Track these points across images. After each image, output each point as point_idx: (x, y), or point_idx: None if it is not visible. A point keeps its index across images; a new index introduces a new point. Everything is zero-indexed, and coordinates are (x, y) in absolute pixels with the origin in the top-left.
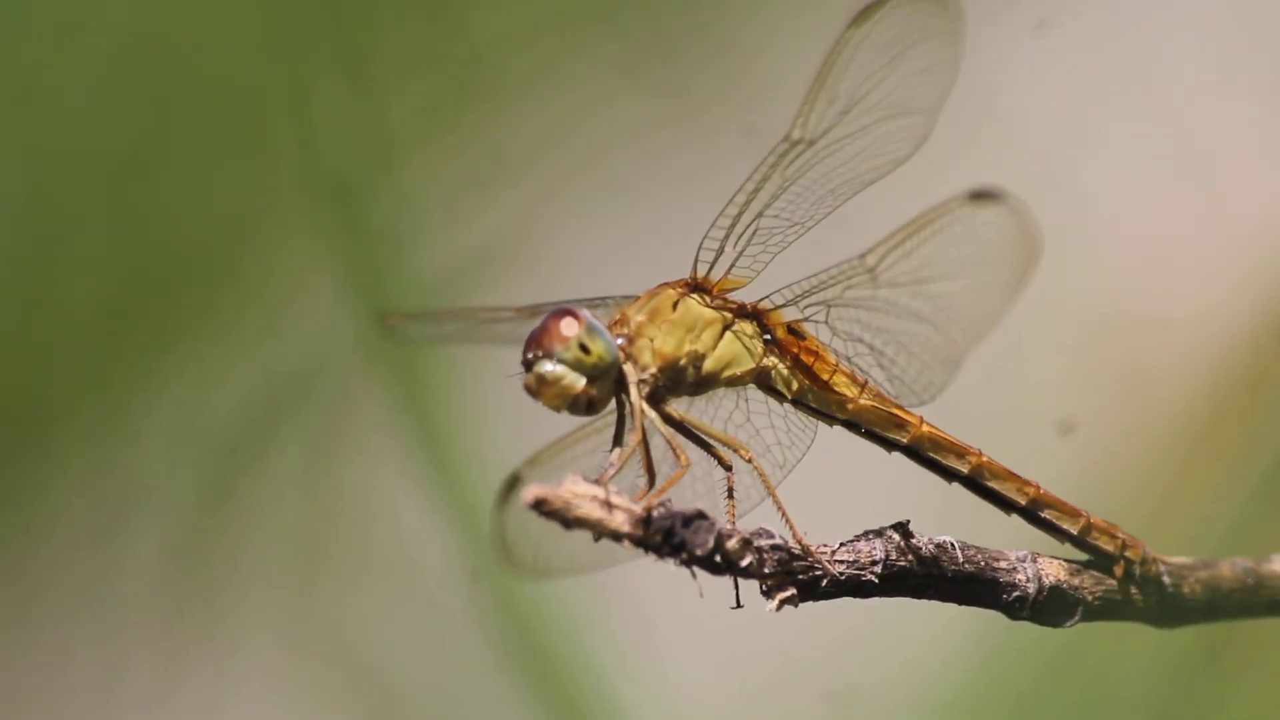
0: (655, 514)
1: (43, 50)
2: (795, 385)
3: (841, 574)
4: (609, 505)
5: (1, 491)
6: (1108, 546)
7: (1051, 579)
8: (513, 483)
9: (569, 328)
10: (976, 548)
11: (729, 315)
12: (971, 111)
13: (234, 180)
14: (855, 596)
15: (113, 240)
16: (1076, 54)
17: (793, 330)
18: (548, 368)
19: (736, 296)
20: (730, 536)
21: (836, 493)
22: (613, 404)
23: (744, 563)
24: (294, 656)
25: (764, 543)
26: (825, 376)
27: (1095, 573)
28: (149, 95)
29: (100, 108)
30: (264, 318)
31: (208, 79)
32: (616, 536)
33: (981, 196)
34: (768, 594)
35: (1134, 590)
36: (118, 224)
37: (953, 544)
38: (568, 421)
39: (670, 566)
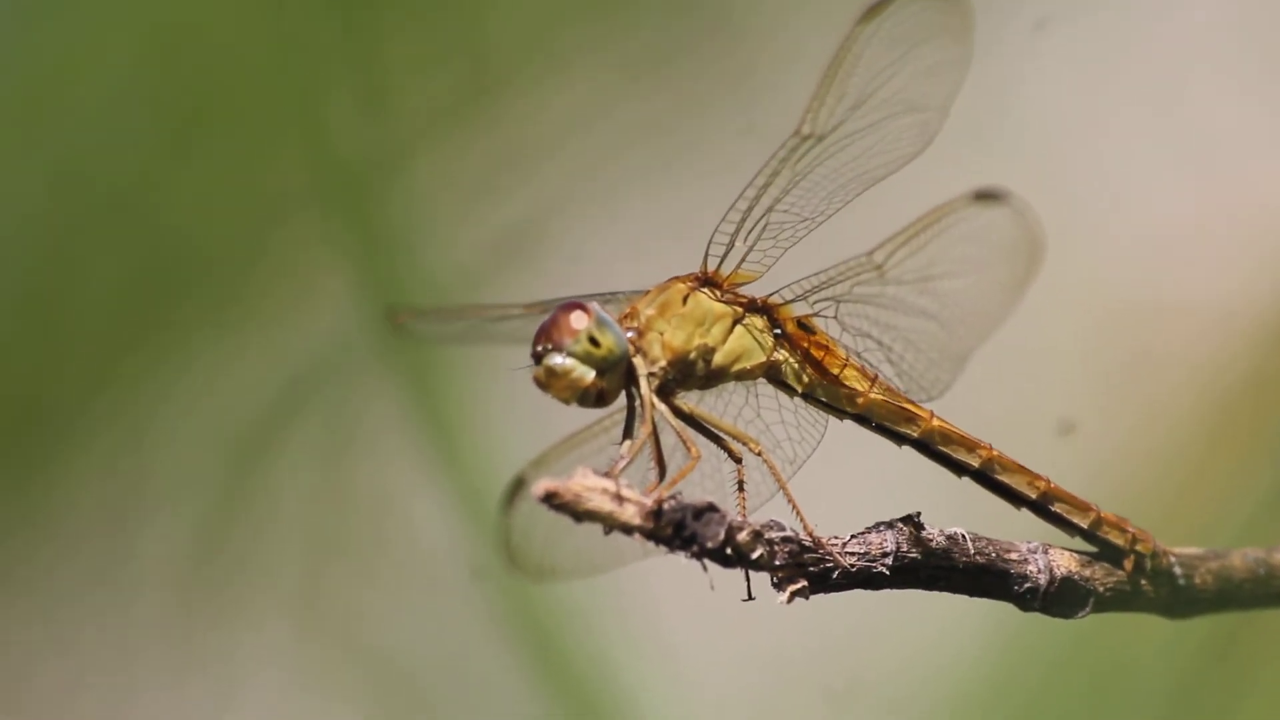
0: (666, 506)
1: (62, 55)
2: (805, 379)
3: (853, 566)
4: (619, 498)
5: (19, 482)
6: (1118, 540)
7: (1063, 570)
8: (517, 485)
9: (578, 321)
10: (987, 539)
11: (739, 309)
12: (980, 105)
13: (248, 179)
14: (866, 588)
15: (129, 238)
16: (1083, 46)
17: (802, 325)
18: (557, 360)
19: (746, 291)
20: (741, 529)
21: (847, 486)
22: (623, 398)
23: (755, 555)
24: (305, 646)
25: (775, 535)
26: (835, 371)
27: (1106, 564)
28: (163, 97)
29: (115, 109)
30: (278, 315)
31: (221, 79)
32: (627, 529)
33: (986, 197)
34: (779, 586)
35: (1144, 582)
36: (134, 222)
37: (963, 535)
38: (579, 416)
39: (681, 559)
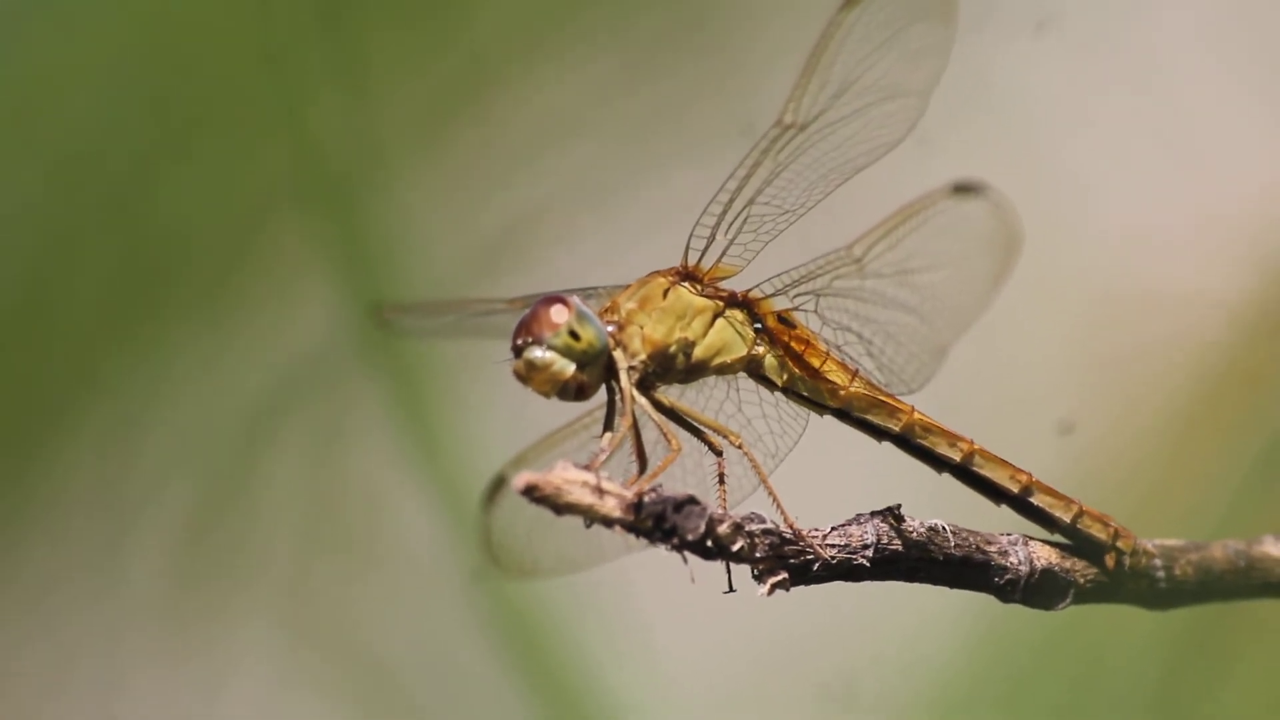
0: (646, 499)
1: (48, 57)
2: (786, 373)
3: (833, 558)
4: (600, 491)
5: (7, 473)
6: (1100, 535)
7: (1043, 562)
8: (498, 484)
9: (559, 314)
10: (968, 531)
11: (720, 303)
12: (967, 99)
13: (234, 177)
14: (847, 580)
15: (114, 238)
16: (1071, 41)
17: (783, 319)
18: (537, 354)
19: (727, 285)
20: (721, 521)
21: (828, 479)
22: (603, 391)
23: (735, 547)
24: (292, 642)
25: (755, 527)
26: (816, 364)
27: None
28: (149, 99)
29: (101, 111)
30: (264, 313)
31: (206, 80)
32: (608, 522)
33: (964, 189)
34: (759, 578)
35: (1125, 578)
36: (120, 222)
37: (944, 527)
38: (564, 411)
39: (662, 552)
